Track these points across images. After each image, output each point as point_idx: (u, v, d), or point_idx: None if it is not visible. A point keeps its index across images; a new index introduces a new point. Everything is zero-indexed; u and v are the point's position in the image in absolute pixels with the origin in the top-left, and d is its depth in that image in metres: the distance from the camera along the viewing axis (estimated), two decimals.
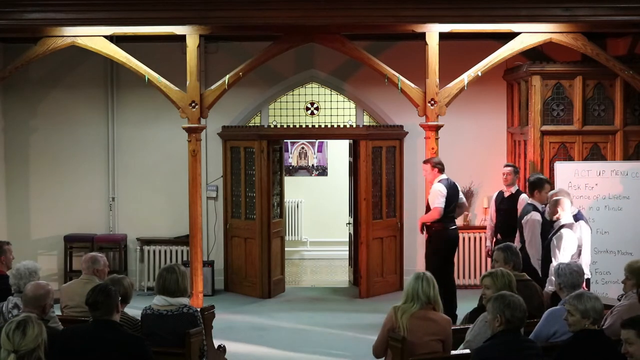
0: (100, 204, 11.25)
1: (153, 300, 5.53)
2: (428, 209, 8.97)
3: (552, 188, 8.40)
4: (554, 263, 6.97)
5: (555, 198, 7.51)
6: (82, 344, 4.74)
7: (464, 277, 10.96)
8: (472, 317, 5.94)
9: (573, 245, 7.22)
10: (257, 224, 10.58)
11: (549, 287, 6.92)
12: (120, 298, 5.05)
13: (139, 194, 11.24)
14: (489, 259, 9.93)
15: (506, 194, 9.15)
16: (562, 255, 7.11)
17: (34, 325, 4.09)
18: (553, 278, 6.82)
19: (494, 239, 9.22)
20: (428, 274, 5.42)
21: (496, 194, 9.36)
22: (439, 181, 8.89)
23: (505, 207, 9.09)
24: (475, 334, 5.37)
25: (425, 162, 9.07)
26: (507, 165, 9.28)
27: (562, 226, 7.26)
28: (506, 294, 4.87)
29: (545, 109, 9.92)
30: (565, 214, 7.34)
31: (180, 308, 5.43)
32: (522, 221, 7.90)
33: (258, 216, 10.57)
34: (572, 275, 5.70)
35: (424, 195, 9.64)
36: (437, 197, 8.83)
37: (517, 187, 9.23)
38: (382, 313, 6.08)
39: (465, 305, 8.60)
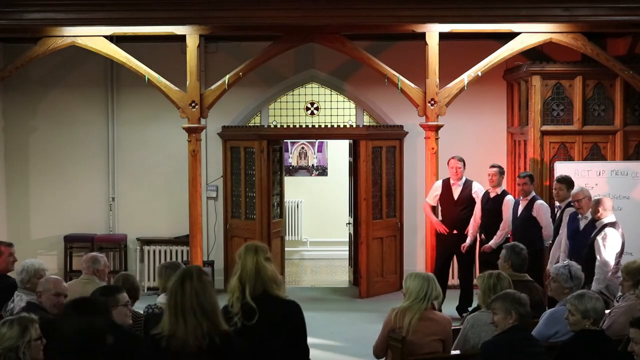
0: (100, 204, 11.24)
1: (157, 299, 5.50)
2: (470, 207, 9.19)
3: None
4: (600, 263, 7.08)
5: (596, 197, 7.57)
6: None
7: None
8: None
9: (618, 244, 7.30)
10: (257, 224, 10.58)
11: (598, 286, 7.02)
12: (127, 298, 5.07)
13: (139, 194, 11.23)
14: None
15: (492, 195, 9.12)
16: (609, 254, 7.19)
17: (15, 326, 4.07)
18: (600, 277, 7.01)
19: (479, 238, 9.21)
20: (430, 274, 5.43)
21: (482, 193, 9.35)
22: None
23: (491, 207, 9.06)
24: (463, 342, 5.36)
25: (461, 159, 9.14)
26: (492, 166, 9.18)
27: (605, 225, 7.32)
28: (511, 292, 4.93)
29: (545, 109, 9.92)
30: (607, 213, 7.39)
31: None
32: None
33: (258, 216, 10.57)
34: (582, 276, 5.76)
35: (423, 195, 9.66)
36: None
37: (503, 188, 9.23)
38: (382, 313, 6.09)
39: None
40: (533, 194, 8.81)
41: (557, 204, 8.57)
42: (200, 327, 3.57)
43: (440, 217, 9.48)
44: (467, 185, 9.26)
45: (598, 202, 7.48)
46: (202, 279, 3.68)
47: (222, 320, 3.64)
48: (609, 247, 7.25)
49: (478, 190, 9.24)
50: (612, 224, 7.37)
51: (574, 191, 8.01)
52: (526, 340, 4.76)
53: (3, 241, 7.05)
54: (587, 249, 7.43)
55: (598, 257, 7.20)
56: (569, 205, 8.26)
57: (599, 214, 7.41)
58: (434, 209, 9.51)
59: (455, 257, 9.43)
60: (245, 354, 3.71)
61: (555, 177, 8.76)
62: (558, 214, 8.37)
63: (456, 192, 9.24)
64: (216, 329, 3.59)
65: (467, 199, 9.22)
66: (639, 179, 9.04)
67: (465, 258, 9.33)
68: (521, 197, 8.80)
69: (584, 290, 5.22)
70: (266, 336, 3.99)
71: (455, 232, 9.21)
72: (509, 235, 8.88)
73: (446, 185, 9.30)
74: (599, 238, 7.29)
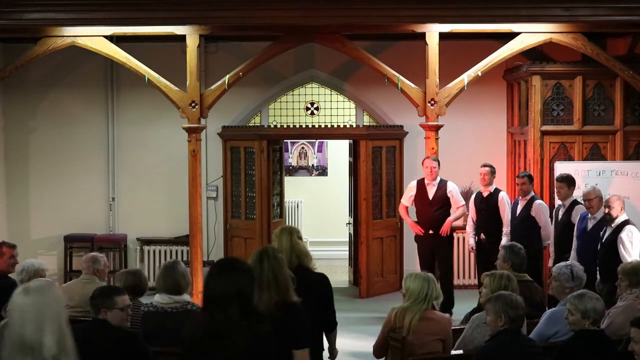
0: (100, 204, 11.24)
1: (155, 298, 5.48)
2: (446, 207, 9.13)
3: None
4: (629, 259, 7.00)
5: (616, 195, 7.55)
6: (80, 343, 4.74)
7: (463, 277, 10.97)
8: (471, 316, 5.94)
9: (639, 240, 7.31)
10: (257, 224, 10.58)
11: None
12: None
13: (139, 194, 11.23)
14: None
15: (485, 194, 9.11)
16: (634, 251, 7.18)
17: None
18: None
19: (477, 238, 9.17)
20: (430, 274, 5.42)
21: (474, 194, 9.32)
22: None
23: (486, 207, 9.05)
24: (466, 341, 5.36)
25: (435, 159, 9.12)
26: (484, 165, 9.14)
27: (625, 223, 7.31)
28: (505, 294, 4.87)
29: (545, 109, 9.93)
30: (623, 212, 7.41)
31: (184, 305, 5.36)
32: None
33: (258, 216, 10.57)
34: (584, 277, 5.75)
35: None
36: (460, 195, 9.27)
37: (495, 186, 9.18)
38: (382, 313, 6.09)
39: (464, 304, 8.61)
40: (532, 193, 8.82)
41: (557, 202, 8.55)
42: (272, 299, 4.18)
43: (415, 218, 9.42)
44: (442, 185, 9.19)
45: (614, 200, 7.43)
46: (277, 257, 4.33)
47: (293, 293, 4.22)
48: (635, 243, 7.23)
49: (453, 190, 9.19)
50: (630, 221, 7.36)
51: (585, 190, 7.98)
52: (519, 342, 4.71)
53: (6, 242, 7.05)
54: (605, 249, 7.39)
55: (625, 254, 7.16)
56: (575, 203, 8.24)
57: (615, 212, 7.36)
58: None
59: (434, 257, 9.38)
60: (307, 323, 4.22)
61: (555, 176, 8.77)
62: (562, 213, 8.32)
63: (431, 192, 9.19)
64: (286, 300, 4.20)
65: (442, 198, 9.16)
66: (639, 179, 9.04)
67: (443, 258, 9.25)
68: (520, 197, 8.81)
69: (584, 290, 5.20)
70: (304, 300, 4.47)
71: (431, 232, 9.14)
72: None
73: (421, 185, 9.27)
74: (622, 235, 7.24)
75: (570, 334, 4.92)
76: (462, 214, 9.31)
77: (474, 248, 9.30)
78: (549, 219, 8.61)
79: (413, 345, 5.19)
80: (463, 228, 10.51)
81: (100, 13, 8.91)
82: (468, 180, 10.79)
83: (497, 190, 9.11)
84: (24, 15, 8.90)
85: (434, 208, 9.14)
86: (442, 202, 9.17)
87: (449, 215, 9.21)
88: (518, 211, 8.76)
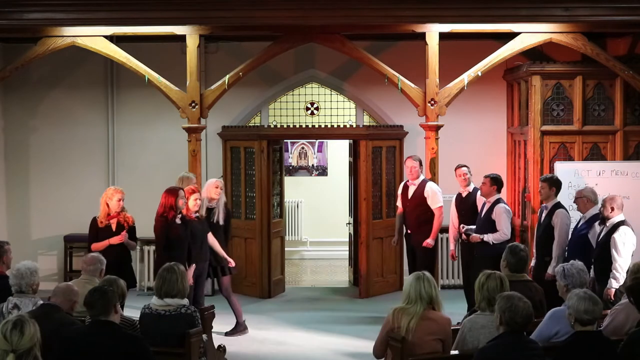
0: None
1: (152, 300, 5.52)
2: (424, 207, 9.03)
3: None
4: (618, 260, 7.05)
5: (610, 195, 7.51)
6: (80, 345, 4.75)
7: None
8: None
9: (634, 242, 7.27)
10: (257, 224, 10.58)
11: (614, 284, 7.02)
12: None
13: (139, 194, 11.20)
14: None
15: (464, 194, 9.04)
16: (625, 252, 7.16)
17: (30, 324, 4.10)
18: (618, 275, 6.98)
19: (460, 240, 9.04)
20: (427, 274, 5.42)
21: (455, 196, 9.21)
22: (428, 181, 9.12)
23: (466, 206, 8.98)
24: (460, 345, 5.37)
25: (417, 159, 9.11)
26: (463, 166, 9.02)
27: (620, 223, 7.29)
28: (514, 296, 4.81)
29: (545, 109, 9.93)
30: (619, 212, 7.37)
31: (178, 308, 5.40)
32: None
33: (258, 216, 10.57)
34: (580, 274, 5.72)
35: None
36: (439, 196, 9.11)
37: (474, 186, 9.05)
38: (382, 313, 6.10)
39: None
40: (497, 196, 8.58)
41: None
42: None
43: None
44: (421, 185, 9.08)
45: (609, 200, 7.39)
46: None
47: None
48: (628, 244, 7.21)
49: (429, 191, 9.01)
50: (626, 222, 7.34)
51: (578, 188, 7.98)
52: (519, 344, 4.70)
53: (3, 241, 7.02)
54: (599, 249, 7.39)
55: (616, 254, 7.14)
56: (558, 206, 8.09)
57: (609, 212, 7.33)
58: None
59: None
60: None
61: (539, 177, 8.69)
62: (544, 214, 8.16)
63: (410, 191, 9.14)
64: None
65: (418, 198, 9.04)
66: (639, 179, 9.04)
67: (421, 258, 9.05)
68: (485, 200, 8.62)
69: (578, 289, 5.19)
70: None
71: (409, 231, 9.13)
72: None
73: (405, 185, 9.29)
74: (615, 236, 7.20)
75: (569, 333, 4.92)
76: (440, 222, 9.06)
77: (455, 255, 9.24)
78: (509, 224, 8.48)
79: (413, 345, 5.20)
80: None
81: (100, 13, 8.92)
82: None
83: (475, 190, 8.97)
84: (24, 15, 8.91)
85: (411, 208, 9.10)
86: (419, 202, 9.04)
87: (427, 215, 9.01)
88: (484, 211, 8.62)
